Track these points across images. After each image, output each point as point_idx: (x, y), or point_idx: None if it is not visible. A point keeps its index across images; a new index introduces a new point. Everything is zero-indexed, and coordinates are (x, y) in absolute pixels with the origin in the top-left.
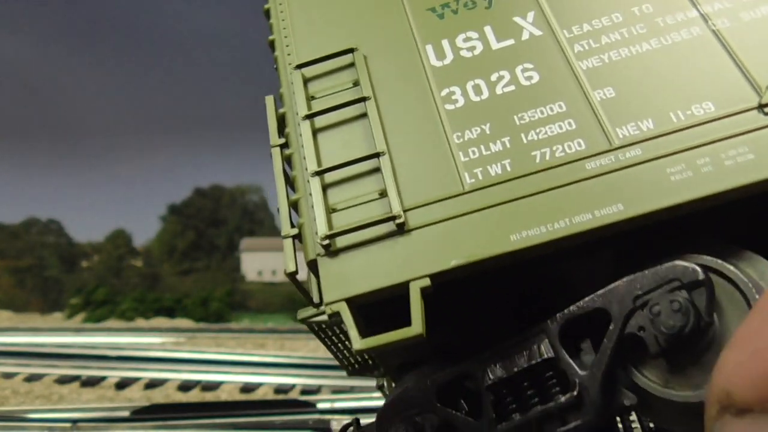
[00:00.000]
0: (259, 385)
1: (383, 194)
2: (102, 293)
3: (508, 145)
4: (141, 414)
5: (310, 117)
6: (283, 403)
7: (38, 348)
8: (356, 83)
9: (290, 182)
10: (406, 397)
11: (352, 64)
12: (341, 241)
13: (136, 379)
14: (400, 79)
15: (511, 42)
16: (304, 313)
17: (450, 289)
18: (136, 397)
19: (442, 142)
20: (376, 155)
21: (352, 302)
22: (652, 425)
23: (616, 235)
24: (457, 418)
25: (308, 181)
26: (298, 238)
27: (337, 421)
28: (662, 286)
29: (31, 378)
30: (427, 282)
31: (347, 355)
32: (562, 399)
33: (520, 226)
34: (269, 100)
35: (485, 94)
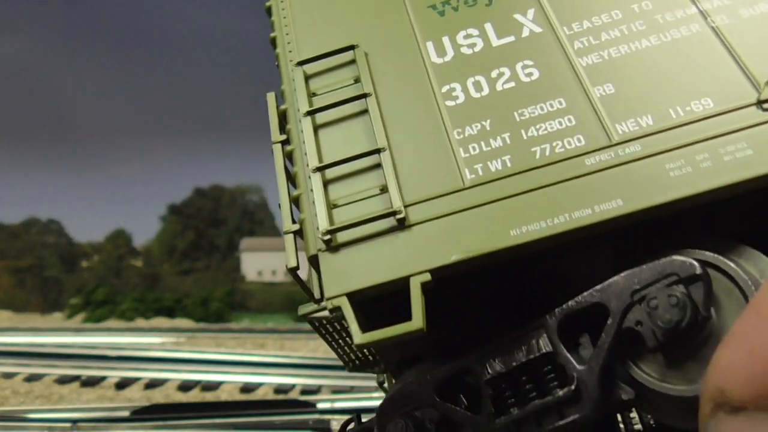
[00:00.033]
0: (259, 385)
1: (384, 190)
2: (102, 293)
3: (508, 141)
4: (141, 414)
5: (311, 113)
6: (283, 403)
7: (38, 348)
8: (357, 80)
9: (291, 178)
10: (405, 393)
11: (353, 61)
12: (342, 237)
13: (136, 379)
14: (400, 75)
15: (511, 39)
16: (305, 309)
17: (450, 284)
18: (136, 397)
19: (443, 138)
20: (377, 151)
21: (353, 297)
22: (652, 421)
23: (616, 230)
24: (456, 413)
25: (309, 177)
26: (299, 233)
27: (337, 421)
28: (660, 280)
29: (31, 378)
30: (427, 277)
31: (348, 351)
32: (560, 393)
33: (520, 222)
34: (270, 96)
35: (485, 91)
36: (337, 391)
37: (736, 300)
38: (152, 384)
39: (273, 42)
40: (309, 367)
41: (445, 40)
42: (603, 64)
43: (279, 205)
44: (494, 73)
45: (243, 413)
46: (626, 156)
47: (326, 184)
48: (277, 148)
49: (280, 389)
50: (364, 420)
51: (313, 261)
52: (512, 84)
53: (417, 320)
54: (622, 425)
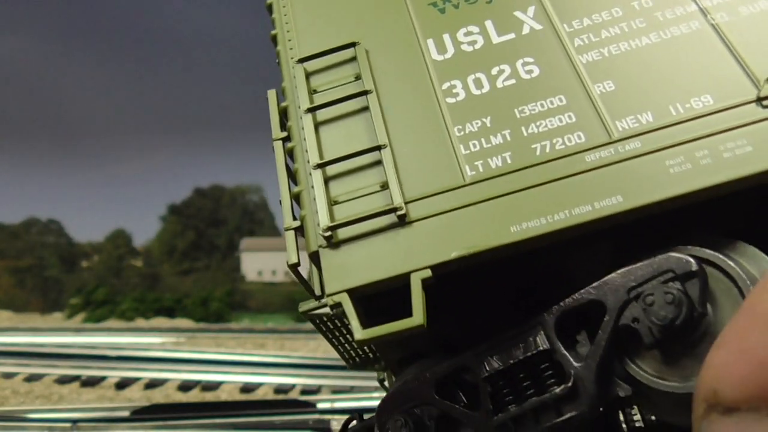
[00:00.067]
0: (259, 385)
1: (384, 186)
2: (102, 293)
3: (508, 138)
4: (141, 414)
5: (312, 110)
6: (283, 403)
7: (38, 348)
8: (358, 77)
9: (292, 175)
10: (405, 390)
11: (353, 58)
12: (343, 233)
13: (136, 379)
14: (401, 72)
15: (511, 36)
16: (305, 306)
17: (451, 280)
18: (136, 397)
19: (443, 134)
20: (378, 148)
21: (354, 293)
22: (653, 418)
23: (616, 227)
24: (455, 410)
25: (310, 174)
26: (300, 230)
27: (337, 421)
28: (656, 277)
29: (31, 378)
30: (428, 273)
31: (348, 348)
32: (558, 390)
33: (521, 218)
34: (271, 94)
35: (486, 88)
36: (337, 391)
37: (734, 298)
38: (152, 384)
39: (274, 39)
40: (309, 367)
41: (446, 37)
42: (603, 62)
43: (280, 202)
44: (495, 70)
45: (243, 413)
46: (626, 153)
47: (327, 180)
48: (278, 145)
49: (280, 389)
50: (365, 418)
51: (314, 257)
52: (513, 81)
53: (417, 316)
54: (624, 425)
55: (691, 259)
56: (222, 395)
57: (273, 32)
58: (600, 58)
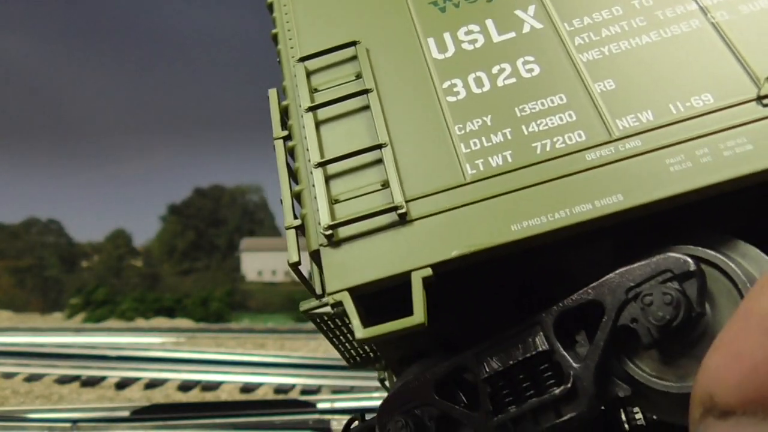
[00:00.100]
0: (259, 385)
1: (385, 185)
2: (102, 293)
3: (509, 137)
4: (141, 414)
5: (312, 109)
6: (283, 403)
7: (38, 348)
8: (359, 76)
9: (293, 174)
10: (405, 391)
11: (354, 57)
12: (344, 232)
13: (136, 379)
14: (402, 71)
15: (512, 35)
16: (306, 305)
17: (451, 279)
18: (136, 397)
19: (444, 133)
20: (378, 146)
21: (355, 292)
22: (654, 417)
23: (616, 225)
24: (455, 410)
25: (311, 173)
26: (300, 229)
27: (338, 421)
28: (654, 277)
29: (31, 378)
30: (428, 272)
31: (349, 347)
32: (557, 391)
33: (521, 217)
34: (272, 92)
35: (486, 87)
36: (337, 391)
37: (733, 299)
38: (152, 384)
39: (275, 38)
40: (309, 367)
41: (447, 36)
42: (603, 60)
43: (280, 201)
44: (495, 69)
45: (243, 413)
46: (626, 151)
47: (328, 179)
48: (279, 144)
49: (280, 389)
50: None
51: (315, 256)
52: (513, 80)
53: (418, 315)
54: (626, 424)
55: (689, 259)
56: (222, 395)
57: (274, 31)
58: (600, 56)
